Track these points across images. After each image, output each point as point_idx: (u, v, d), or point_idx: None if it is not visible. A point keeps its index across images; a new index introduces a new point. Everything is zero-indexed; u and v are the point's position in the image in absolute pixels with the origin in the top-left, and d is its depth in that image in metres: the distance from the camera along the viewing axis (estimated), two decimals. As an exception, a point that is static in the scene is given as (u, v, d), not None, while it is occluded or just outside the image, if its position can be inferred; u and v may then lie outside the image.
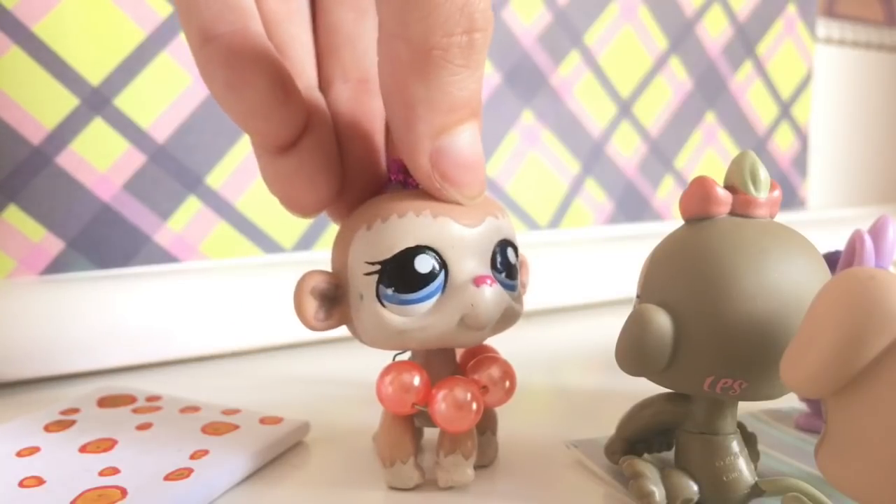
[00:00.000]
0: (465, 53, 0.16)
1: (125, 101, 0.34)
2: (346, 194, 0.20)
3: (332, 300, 0.19)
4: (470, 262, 0.18)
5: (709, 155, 0.55)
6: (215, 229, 0.37)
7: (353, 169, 0.20)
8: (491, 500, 0.19)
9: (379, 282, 0.18)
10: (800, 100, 0.60)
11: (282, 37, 0.20)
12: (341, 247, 0.19)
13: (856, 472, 0.14)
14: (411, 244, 0.17)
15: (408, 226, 0.18)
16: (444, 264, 0.18)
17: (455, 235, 0.18)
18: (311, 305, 0.18)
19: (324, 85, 0.21)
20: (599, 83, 0.49)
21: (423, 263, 0.18)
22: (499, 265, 0.19)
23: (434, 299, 0.18)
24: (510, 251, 0.19)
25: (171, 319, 0.32)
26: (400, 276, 0.18)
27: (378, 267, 0.18)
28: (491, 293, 0.18)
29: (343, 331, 0.20)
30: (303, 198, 0.19)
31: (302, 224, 0.39)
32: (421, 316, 0.18)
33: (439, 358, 0.20)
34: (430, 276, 0.18)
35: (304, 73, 0.20)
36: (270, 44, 0.18)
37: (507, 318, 0.19)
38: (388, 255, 0.18)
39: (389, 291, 0.18)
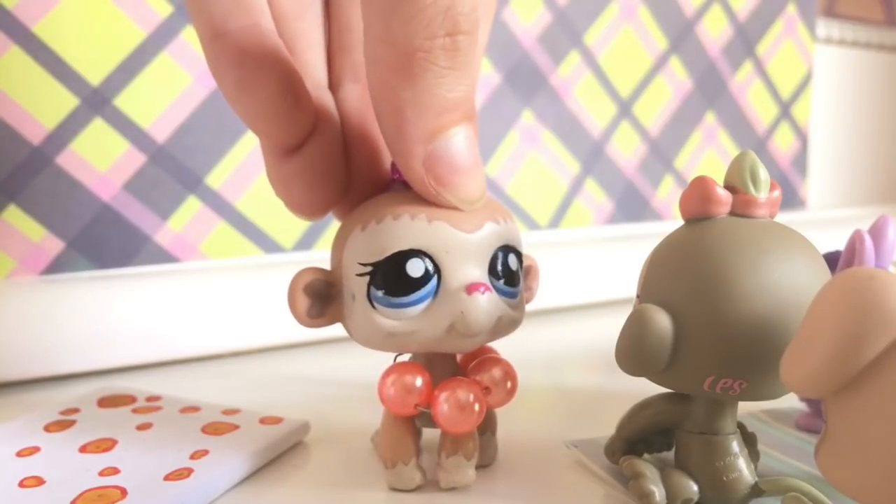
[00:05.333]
0: (450, 56, 0.15)
1: (125, 101, 0.34)
2: (350, 195, 0.20)
3: (325, 298, 0.19)
4: (466, 268, 0.18)
5: (709, 155, 0.55)
6: (215, 229, 0.37)
7: (359, 170, 0.20)
8: (491, 501, 0.19)
9: (370, 283, 0.18)
10: (800, 100, 0.60)
11: (292, 33, 0.19)
12: (338, 246, 0.19)
13: (856, 472, 0.14)
14: (404, 247, 0.17)
15: (402, 229, 0.17)
16: (437, 269, 0.17)
17: (450, 240, 0.17)
18: (304, 302, 0.19)
19: (333, 84, 0.21)
20: (599, 83, 0.49)
21: (415, 267, 0.17)
22: (498, 271, 0.18)
23: (424, 304, 0.17)
24: (512, 257, 0.19)
25: (171, 319, 0.32)
26: (391, 278, 0.17)
27: (370, 268, 0.18)
28: (483, 301, 0.17)
29: (342, 331, 0.20)
30: (306, 200, 0.19)
31: (302, 224, 0.39)
32: (410, 320, 0.17)
33: (441, 359, 0.20)
34: (422, 281, 0.17)
35: (314, 71, 0.20)
36: (281, 42, 0.18)
37: (505, 325, 0.19)
38: (380, 257, 0.17)
39: (380, 294, 0.17)
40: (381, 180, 0.20)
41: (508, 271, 0.19)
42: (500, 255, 0.18)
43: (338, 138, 0.19)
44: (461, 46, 0.15)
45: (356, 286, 0.18)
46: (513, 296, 0.19)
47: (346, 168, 0.20)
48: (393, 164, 0.20)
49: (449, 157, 0.17)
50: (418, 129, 0.16)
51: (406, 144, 0.16)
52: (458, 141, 0.17)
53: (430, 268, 0.17)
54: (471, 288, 0.17)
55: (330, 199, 0.19)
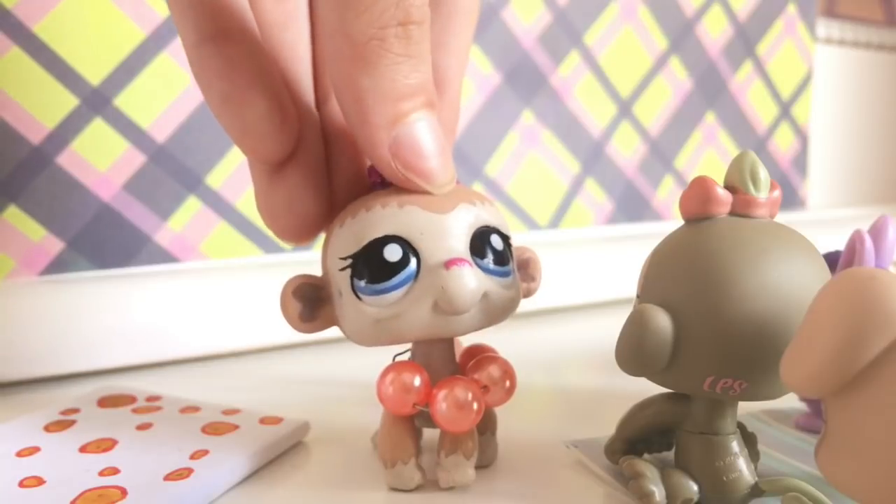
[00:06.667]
0: (403, 44, 0.16)
1: (125, 101, 0.34)
2: (337, 210, 0.20)
3: (315, 301, 0.19)
4: (444, 247, 0.18)
5: (709, 155, 0.55)
6: (215, 229, 0.37)
7: (344, 186, 0.20)
8: (491, 500, 0.19)
9: (352, 275, 0.18)
10: (800, 100, 0.60)
11: (278, 43, 0.19)
12: (324, 249, 0.19)
13: (856, 472, 0.14)
14: (379, 234, 0.18)
15: (375, 218, 0.18)
16: (415, 252, 0.18)
17: (424, 222, 0.18)
18: (295, 308, 0.19)
19: (320, 99, 0.20)
20: (599, 83, 0.49)
21: (392, 252, 0.18)
22: (483, 251, 0.18)
23: (407, 286, 0.18)
24: (495, 237, 0.19)
25: (171, 319, 0.32)
26: (371, 266, 0.18)
27: (350, 261, 0.18)
28: (464, 274, 0.17)
29: (341, 332, 0.20)
30: (290, 224, 0.19)
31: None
32: (395, 304, 0.18)
33: (439, 358, 0.20)
34: (401, 264, 0.18)
35: (299, 84, 0.20)
36: (266, 51, 0.18)
37: (499, 306, 0.19)
38: (357, 247, 0.18)
39: (363, 283, 0.18)
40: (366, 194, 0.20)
41: (494, 250, 0.19)
42: (482, 235, 0.19)
43: (320, 158, 0.20)
44: (413, 35, 0.16)
45: (341, 282, 0.18)
46: (504, 275, 0.19)
47: (328, 188, 0.20)
48: (371, 168, 0.20)
49: (413, 142, 0.17)
50: (380, 116, 0.17)
51: (370, 131, 0.17)
52: (421, 127, 0.17)
53: (408, 251, 0.18)
54: (449, 263, 0.17)
55: (313, 221, 0.19)
